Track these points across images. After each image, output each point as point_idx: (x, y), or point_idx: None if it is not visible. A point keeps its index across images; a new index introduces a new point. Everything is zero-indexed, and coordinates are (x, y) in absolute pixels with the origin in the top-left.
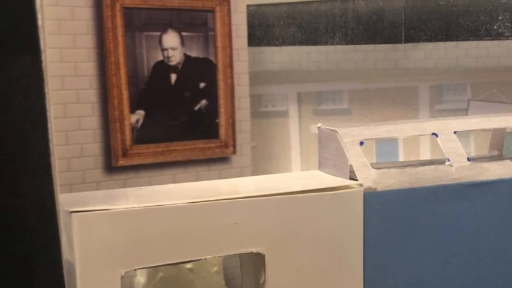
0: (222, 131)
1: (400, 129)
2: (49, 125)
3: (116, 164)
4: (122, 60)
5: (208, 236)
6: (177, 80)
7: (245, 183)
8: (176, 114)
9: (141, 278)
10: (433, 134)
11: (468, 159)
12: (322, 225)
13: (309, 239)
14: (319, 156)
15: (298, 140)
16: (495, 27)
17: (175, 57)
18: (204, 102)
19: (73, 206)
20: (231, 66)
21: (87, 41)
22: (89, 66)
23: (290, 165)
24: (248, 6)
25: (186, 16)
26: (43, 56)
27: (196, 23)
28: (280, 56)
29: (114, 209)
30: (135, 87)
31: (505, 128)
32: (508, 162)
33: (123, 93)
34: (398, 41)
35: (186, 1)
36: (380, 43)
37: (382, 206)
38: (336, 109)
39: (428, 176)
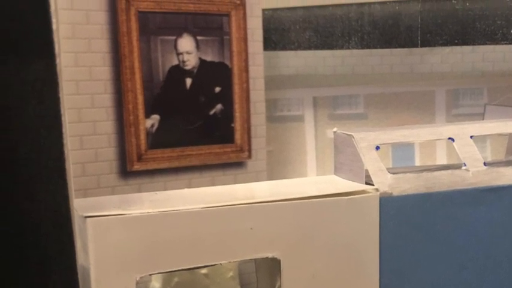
0: (238, 135)
1: (417, 134)
2: (64, 130)
3: (130, 168)
4: (137, 64)
5: (224, 241)
6: (192, 85)
7: (261, 188)
8: (191, 119)
9: (156, 283)
10: (449, 138)
11: (484, 163)
12: (338, 230)
13: (324, 244)
14: (335, 161)
15: (313, 145)
16: None
17: (191, 61)
18: (219, 106)
19: (88, 211)
20: (246, 70)
21: (102, 45)
22: (103, 71)
23: (306, 170)
24: (264, 10)
25: (202, 20)
26: (57, 60)
27: (211, 27)
28: (295, 61)
29: (129, 214)
30: (150, 91)
31: None
32: None
33: (138, 97)
34: (415, 45)
35: (202, 5)
36: (396, 47)
37: (398, 210)
38: (351, 114)
39: (445, 181)
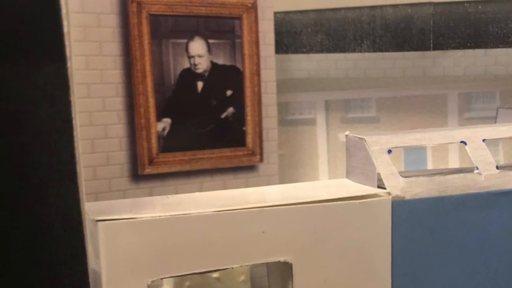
0: (249, 139)
1: (429, 137)
2: (75, 133)
3: (142, 172)
4: (148, 67)
5: (235, 245)
6: (203, 88)
7: (272, 192)
8: (203, 122)
9: (167, 287)
10: (461, 142)
11: (497, 167)
12: (350, 234)
13: (336, 248)
14: (346, 164)
15: (325, 148)
16: None
17: (202, 64)
18: (231, 110)
19: (99, 214)
20: (258, 73)
21: (113, 48)
22: (115, 74)
23: (317, 174)
24: (275, 13)
25: (213, 23)
26: (69, 64)
27: (223, 30)
28: (307, 64)
29: (140, 217)
30: (162, 95)
31: None
32: None
33: (149, 101)
34: (427, 49)
35: (213, 8)
36: (408, 50)
37: (411, 214)
38: (363, 117)
39: (457, 185)
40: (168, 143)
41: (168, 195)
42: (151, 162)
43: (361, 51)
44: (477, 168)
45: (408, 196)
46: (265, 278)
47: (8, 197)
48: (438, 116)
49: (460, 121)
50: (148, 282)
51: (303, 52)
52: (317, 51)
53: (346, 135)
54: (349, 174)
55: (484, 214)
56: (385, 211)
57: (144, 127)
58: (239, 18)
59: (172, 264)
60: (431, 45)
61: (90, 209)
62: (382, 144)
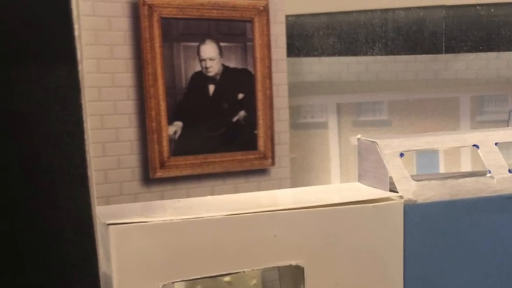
0: (261, 142)
1: (441, 141)
2: (86, 137)
3: (153, 175)
4: (159, 71)
5: (247, 249)
6: (215, 91)
7: (284, 195)
8: (214, 126)
9: None
10: (474, 145)
11: (509, 171)
12: (362, 237)
13: (348, 252)
14: (358, 168)
15: (337, 152)
16: None
17: (214, 67)
18: (242, 113)
19: (110, 218)
20: (269, 77)
21: (124, 51)
22: (126, 77)
23: (329, 177)
24: (287, 16)
25: (225, 26)
26: (80, 67)
27: (234, 34)
28: (319, 67)
29: (151, 221)
30: (173, 98)
31: None
32: None
33: (160, 104)
34: (439, 52)
35: (225, 11)
36: (420, 53)
37: (423, 218)
38: (375, 120)
39: (469, 188)
40: (180, 147)
41: (180, 199)
42: (162, 165)
43: (373, 54)
44: (489, 172)
45: (420, 200)
46: (276, 281)
47: (19, 200)
48: (450, 119)
49: (472, 124)
50: (160, 286)
51: (314, 55)
52: (329, 55)
53: (358, 139)
54: (361, 178)
55: (497, 218)
56: (397, 215)
57: (156, 130)
58: (251, 21)
59: (184, 268)
60: (444, 48)
61: (101, 212)
62: (394, 147)
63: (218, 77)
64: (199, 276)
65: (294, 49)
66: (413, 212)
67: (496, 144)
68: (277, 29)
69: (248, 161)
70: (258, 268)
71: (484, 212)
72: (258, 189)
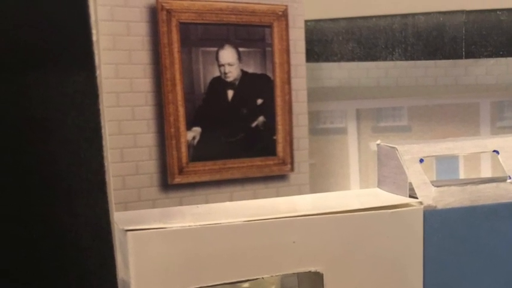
0: (280, 148)
1: (461, 147)
2: (104, 142)
3: (172, 181)
4: (178, 76)
5: (266, 255)
6: (234, 96)
7: (303, 201)
8: (233, 131)
9: None
10: (494, 151)
11: None
12: (381, 243)
13: (368, 258)
14: (378, 173)
15: (357, 158)
16: None
17: (232, 73)
18: (261, 118)
19: (128, 224)
20: (288, 82)
21: (142, 56)
22: (144, 83)
23: (349, 183)
24: (306, 21)
25: (243, 31)
26: (98, 72)
27: (253, 39)
28: (338, 72)
29: (170, 227)
30: (192, 103)
31: None
32: None
33: (179, 109)
34: (459, 57)
35: (243, 16)
36: (440, 59)
37: (442, 224)
38: (395, 126)
39: (489, 194)
40: (198, 152)
41: (198, 205)
42: (181, 171)
43: (392, 60)
44: (510, 178)
45: (440, 205)
46: None
47: (36, 207)
48: (470, 124)
49: (492, 130)
50: None
51: (334, 60)
52: (348, 60)
53: (378, 145)
54: (380, 184)
55: None
56: (416, 221)
57: (174, 136)
58: (270, 26)
59: (202, 274)
60: (464, 53)
61: (119, 218)
62: (414, 153)
63: (237, 83)
64: (217, 283)
65: (313, 54)
66: (433, 218)
67: None
68: (296, 34)
69: (267, 166)
70: (277, 274)
71: (504, 218)
72: (277, 195)
